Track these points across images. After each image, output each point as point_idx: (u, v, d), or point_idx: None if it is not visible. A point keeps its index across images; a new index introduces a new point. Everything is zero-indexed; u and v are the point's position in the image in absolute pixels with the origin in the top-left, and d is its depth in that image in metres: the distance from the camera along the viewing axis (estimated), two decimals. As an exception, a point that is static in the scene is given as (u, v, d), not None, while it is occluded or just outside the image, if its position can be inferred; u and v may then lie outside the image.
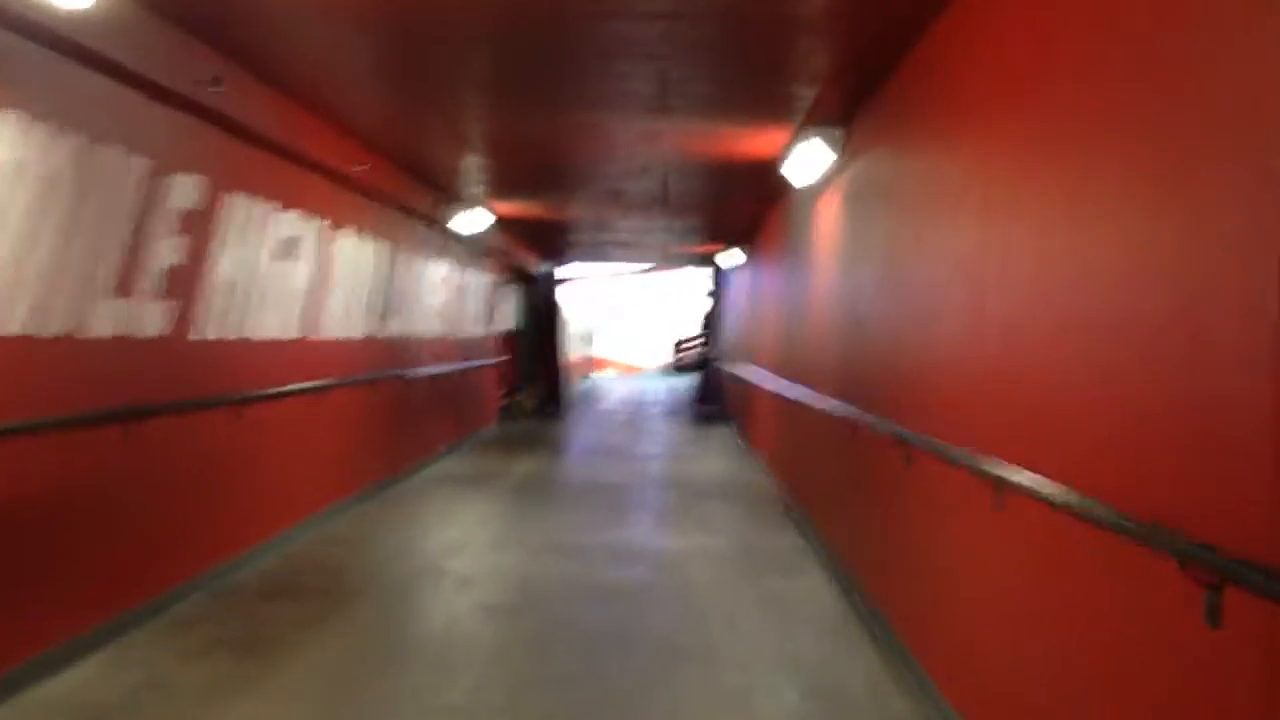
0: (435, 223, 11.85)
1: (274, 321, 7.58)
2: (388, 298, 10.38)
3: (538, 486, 11.19)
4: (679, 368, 34.85)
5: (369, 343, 9.88)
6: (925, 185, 5.14)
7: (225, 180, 6.57)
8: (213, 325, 6.61)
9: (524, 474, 12.05)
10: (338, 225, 8.68)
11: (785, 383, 10.34)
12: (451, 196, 11.84)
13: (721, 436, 16.57)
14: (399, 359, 10.97)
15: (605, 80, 6.55)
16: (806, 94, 6.76)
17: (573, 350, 27.35)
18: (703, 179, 10.47)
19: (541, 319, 22.60)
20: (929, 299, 4.95)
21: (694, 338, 34.15)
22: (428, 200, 11.19)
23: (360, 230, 9.29)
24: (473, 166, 10.15)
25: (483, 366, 15.91)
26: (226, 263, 6.70)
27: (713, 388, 22.09)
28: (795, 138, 7.99)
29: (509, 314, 20.06)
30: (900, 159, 5.80)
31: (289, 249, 7.71)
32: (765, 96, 6.92)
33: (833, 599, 6.61)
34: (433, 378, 12.49)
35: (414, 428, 11.68)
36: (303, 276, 8.05)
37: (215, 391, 6.67)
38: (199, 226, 6.26)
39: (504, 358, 18.47)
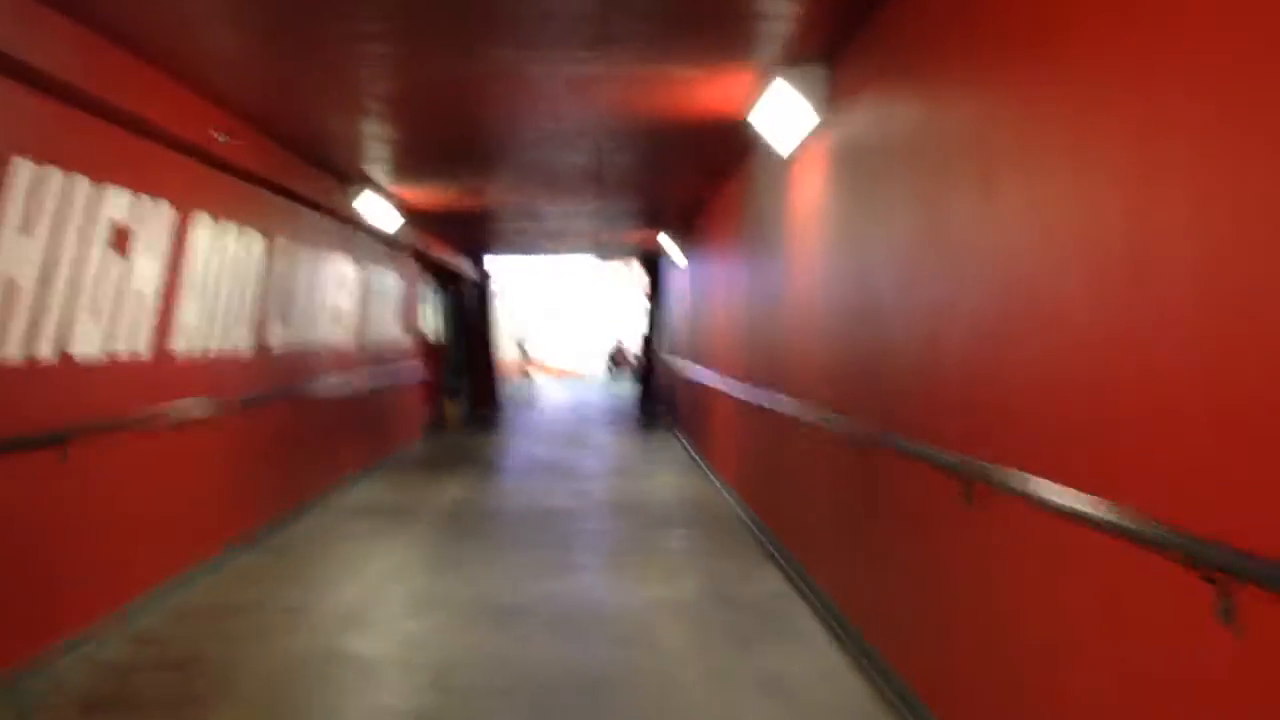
0: (333, 212, 10.08)
1: (110, 334, 5.80)
2: (273, 301, 8.60)
3: (466, 518, 9.48)
4: (619, 372, 33.28)
5: (252, 356, 8.09)
6: (995, 131, 3.54)
7: (4, 140, 4.79)
8: (8, 341, 4.82)
9: (450, 502, 10.32)
10: (194, 210, 6.88)
11: (750, 388, 8.75)
12: (351, 180, 10.07)
13: (670, 448, 14.97)
14: (293, 374, 9.18)
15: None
16: (781, 11, 5.15)
17: (506, 354, 25.66)
18: (644, 147, 8.83)
19: (469, 321, 20.87)
20: (1012, 285, 3.36)
21: (631, 342, 32.68)
22: (320, 185, 9.42)
23: (228, 218, 7.50)
24: (373, 138, 8.42)
25: (403, 376, 14.13)
26: (23, 257, 4.92)
27: (655, 393, 20.51)
28: (763, 82, 6.39)
29: (432, 317, 18.27)
30: (934, 100, 4.21)
31: (124, 240, 5.93)
32: (728, 16, 5.30)
33: (849, 677, 5.02)
34: (340, 392, 10.71)
35: (316, 452, 9.90)
36: (148, 276, 6.27)
37: (18, 430, 4.89)
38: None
39: (428, 365, 16.70)
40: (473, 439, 16.35)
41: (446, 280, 19.48)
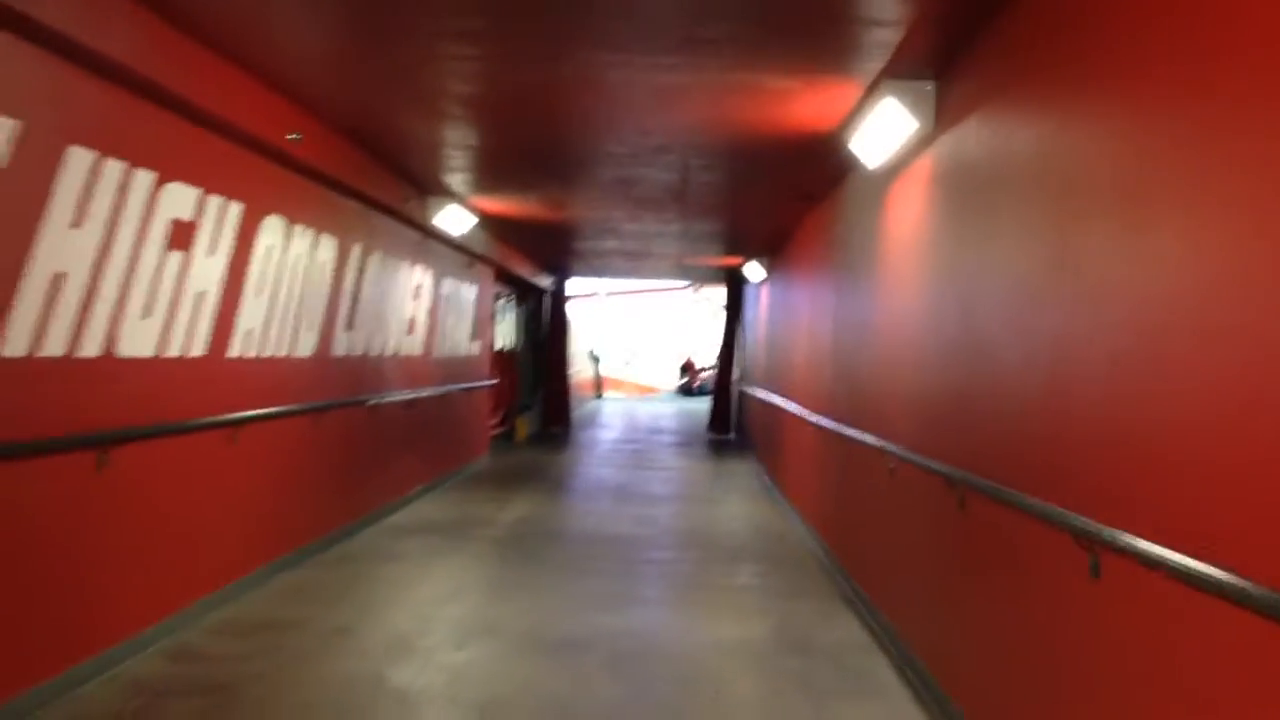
0: (408, 219, 9.85)
1: (162, 335, 5.57)
2: (342, 308, 8.37)
3: (528, 540, 9.14)
4: (689, 391, 32.93)
5: (316, 363, 7.85)
6: (1150, 157, 3.07)
7: (62, 128, 4.57)
8: (49, 337, 4.59)
9: (513, 521, 10.00)
10: (263, 210, 6.66)
11: (831, 419, 8.30)
12: (429, 188, 9.85)
13: (742, 473, 14.51)
14: (358, 383, 8.94)
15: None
16: (888, 16, 4.75)
17: (579, 371, 25.43)
18: (731, 164, 8.46)
19: (545, 337, 20.66)
20: (1167, 328, 2.89)
21: (704, 362, 32.28)
22: (397, 190, 9.20)
23: (300, 221, 7.28)
24: (452, 145, 8.16)
25: (473, 389, 13.90)
26: (71, 251, 4.69)
27: (728, 415, 20.07)
28: (864, 95, 6.00)
29: (506, 331, 18.07)
30: (1065, 121, 3.75)
31: (186, 238, 5.71)
32: (829, 21, 4.91)
33: (935, 746, 4.56)
34: (406, 404, 10.47)
35: (378, 465, 9.65)
36: (210, 276, 6.04)
37: (56, 430, 4.65)
38: (7, 192, 4.26)
39: (499, 380, 16.48)
40: (541, 456, 16.06)
41: (523, 295, 19.30)
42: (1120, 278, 3.19)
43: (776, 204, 10.42)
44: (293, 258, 7.20)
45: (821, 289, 9.62)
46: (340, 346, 8.39)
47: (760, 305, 16.12)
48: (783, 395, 12.04)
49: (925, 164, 5.78)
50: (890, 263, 6.57)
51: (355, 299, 8.68)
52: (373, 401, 9.26)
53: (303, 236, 7.36)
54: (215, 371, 6.19)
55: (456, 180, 9.60)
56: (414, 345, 10.82)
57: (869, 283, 7.21)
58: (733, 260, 16.37)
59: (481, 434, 14.90)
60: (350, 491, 8.81)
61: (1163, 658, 2.81)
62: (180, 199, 5.57)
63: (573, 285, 21.96)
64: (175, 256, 5.58)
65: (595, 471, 14.69)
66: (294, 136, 6.57)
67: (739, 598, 7.32)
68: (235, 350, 6.42)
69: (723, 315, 20.56)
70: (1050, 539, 3.54)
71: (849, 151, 6.78)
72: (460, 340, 13.06)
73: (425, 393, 11.17)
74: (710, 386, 24.66)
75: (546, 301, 20.78)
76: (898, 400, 6.16)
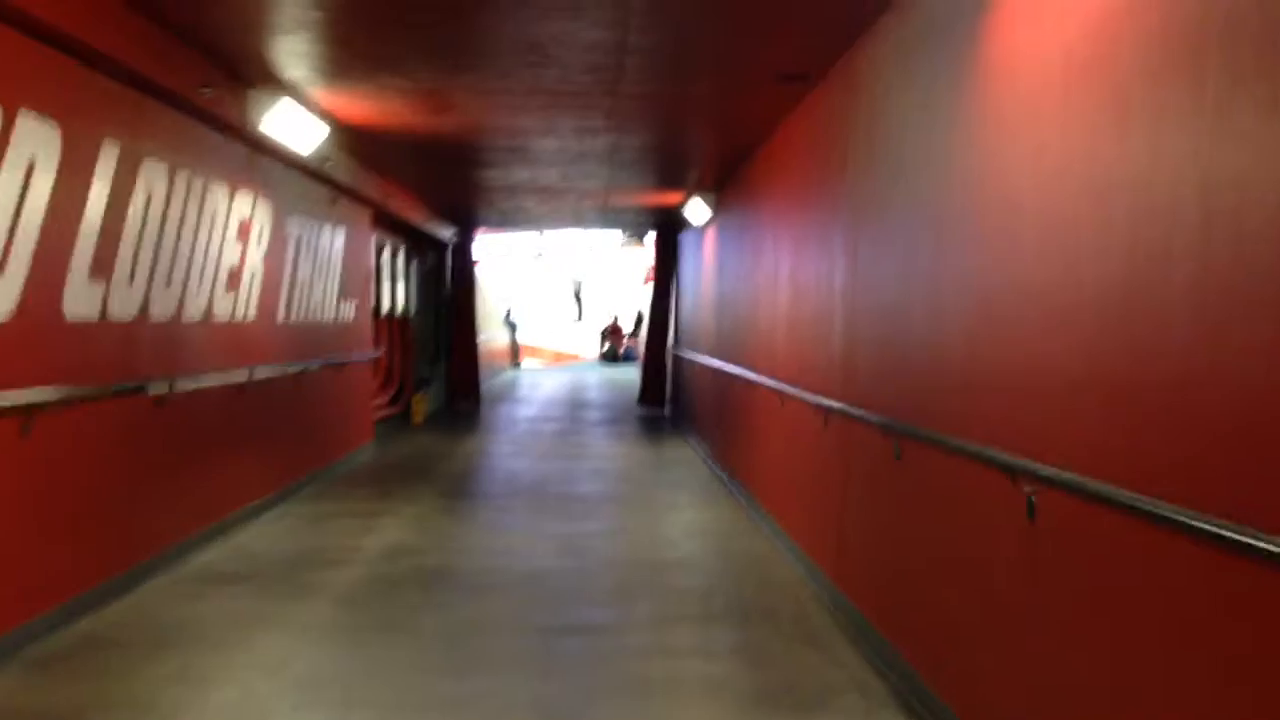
0: (220, 119, 6.75)
1: None
2: (79, 242, 5.22)
3: (397, 592, 6.14)
4: (614, 357, 30.08)
5: (19, 332, 4.75)
6: None
7: None
8: None
9: (381, 554, 6.98)
10: None
11: (846, 405, 5.48)
12: (248, 71, 6.72)
13: (687, 460, 11.68)
14: (128, 361, 5.84)
15: None
16: None
17: (491, 338, 22.39)
18: (692, 15, 5.51)
19: (447, 298, 17.55)
20: None
21: (628, 323, 29.34)
22: (186, 66, 6.08)
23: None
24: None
25: (347, 364, 10.79)
26: None
27: (662, 387, 17.19)
28: None
29: (399, 292, 14.90)
30: None
31: None
32: None
33: None
34: (234, 388, 7.37)
35: (178, 478, 6.55)
36: None
37: None
38: None
39: (391, 350, 13.40)
40: (440, 443, 13.01)
41: (420, 248, 16.12)
42: None
43: (742, 97, 7.51)
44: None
45: (820, 223, 6.73)
46: (79, 306, 5.26)
47: (705, 254, 13.16)
48: (743, 367, 9.16)
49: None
50: (1004, 142, 3.70)
51: (113, 230, 5.55)
52: (161, 388, 6.16)
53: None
54: None
55: (291, 59, 6.48)
56: (243, 306, 7.69)
57: (941, 195, 4.34)
58: (670, 198, 13.39)
59: (362, 419, 11.80)
60: (117, 526, 5.71)
61: None
62: None
63: (482, 240, 18.88)
64: None
65: (506, 464, 11.73)
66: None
67: (727, 716, 4.43)
68: None
69: (652, 270, 17.64)
70: None
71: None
72: (323, 301, 9.94)
73: (266, 371, 8.05)
74: (638, 353, 21.88)
75: (449, 257, 17.65)
76: (1033, 374, 3.31)
